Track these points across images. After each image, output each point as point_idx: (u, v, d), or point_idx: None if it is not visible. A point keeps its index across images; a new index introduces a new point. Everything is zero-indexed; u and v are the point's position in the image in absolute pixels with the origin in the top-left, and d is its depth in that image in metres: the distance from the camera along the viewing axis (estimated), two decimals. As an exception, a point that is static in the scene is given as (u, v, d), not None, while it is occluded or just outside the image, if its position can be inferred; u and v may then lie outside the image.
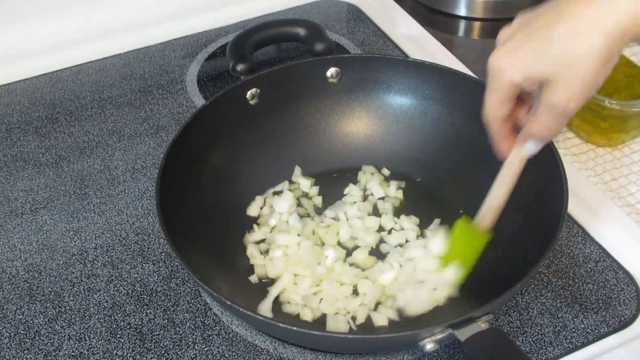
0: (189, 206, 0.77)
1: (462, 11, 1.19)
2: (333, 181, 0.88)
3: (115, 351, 0.71)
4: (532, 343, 0.71)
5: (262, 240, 0.81)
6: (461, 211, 0.82)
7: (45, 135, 0.96)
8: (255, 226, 0.82)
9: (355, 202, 0.84)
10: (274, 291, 0.75)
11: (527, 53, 0.58)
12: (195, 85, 1.03)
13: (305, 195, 0.86)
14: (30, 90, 1.03)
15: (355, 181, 0.87)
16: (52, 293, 0.77)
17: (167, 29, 1.13)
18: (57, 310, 0.75)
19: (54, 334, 0.73)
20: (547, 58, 0.57)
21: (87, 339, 0.72)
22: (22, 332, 0.73)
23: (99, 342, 0.72)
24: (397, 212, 0.84)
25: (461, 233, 0.74)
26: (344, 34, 1.12)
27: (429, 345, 0.61)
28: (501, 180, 0.71)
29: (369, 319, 0.73)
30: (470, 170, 0.84)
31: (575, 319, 0.73)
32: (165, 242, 0.77)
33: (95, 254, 0.80)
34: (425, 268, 0.75)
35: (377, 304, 0.74)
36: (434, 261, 0.75)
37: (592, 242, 0.80)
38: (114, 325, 0.73)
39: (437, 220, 0.82)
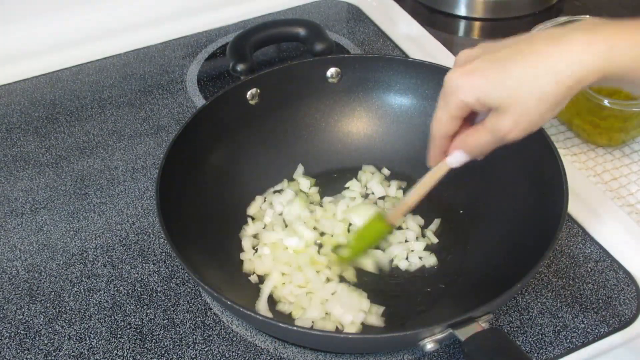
0: (189, 206, 0.77)
1: (462, 11, 1.19)
2: (333, 181, 0.88)
3: (115, 351, 0.71)
4: (532, 343, 0.71)
5: (255, 236, 0.81)
6: (461, 211, 0.82)
7: (45, 135, 0.96)
8: (249, 220, 0.82)
9: (355, 198, 0.85)
10: (265, 289, 0.75)
11: (484, 78, 0.60)
12: (195, 85, 1.03)
13: (305, 194, 0.86)
14: (31, 91, 1.03)
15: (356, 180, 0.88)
16: (52, 293, 0.77)
17: (167, 29, 1.13)
18: (57, 310, 0.75)
19: (54, 334, 0.73)
20: (501, 89, 0.59)
21: (87, 339, 0.72)
22: (22, 332, 0.73)
23: (99, 342, 0.72)
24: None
25: (371, 225, 0.77)
26: (344, 34, 1.12)
27: (429, 345, 0.61)
28: (422, 184, 0.72)
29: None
30: (469, 170, 0.83)
31: (576, 319, 0.73)
32: (166, 242, 0.77)
33: (95, 254, 0.80)
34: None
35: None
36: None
37: (592, 241, 0.80)
38: (114, 326, 0.73)
39: (437, 220, 0.82)
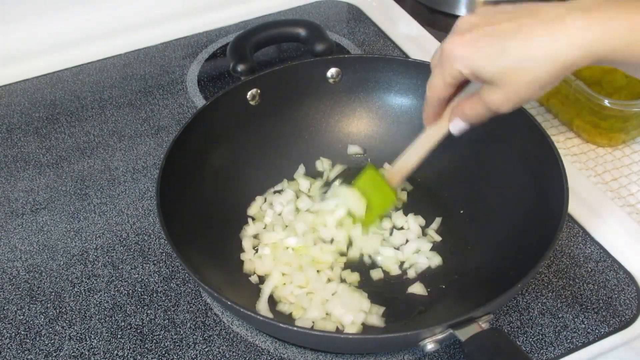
0: (190, 206, 0.77)
1: (462, 11, 1.19)
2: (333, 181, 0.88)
3: (115, 351, 0.71)
4: (532, 343, 0.71)
5: (256, 236, 0.81)
6: (461, 211, 0.82)
7: (45, 135, 0.96)
8: (250, 220, 0.82)
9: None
10: (266, 290, 0.75)
11: (480, 52, 0.61)
12: (195, 85, 1.03)
13: (306, 195, 0.86)
14: (31, 91, 1.03)
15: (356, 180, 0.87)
16: (53, 293, 0.77)
17: (167, 29, 1.13)
18: (57, 310, 0.75)
19: (55, 335, 0.73)
20: (496, 64, 0.60)
21: (88, 339, 0.72)
22: (22, 332, 0.73)
23: (100, 343, 0.72)
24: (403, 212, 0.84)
25: (371, 180, 0.78)
26: (344, 34, 1.12)
27: (430, 346, 0.61)
28: (418, 146, 0.74)
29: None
30: (470, 170, 0.84)
31: (576, 319, 0.73)
32: (166, 242, 0.77)
33: (95, 254, 0.80)
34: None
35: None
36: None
37: (593, 242, 0.80)
38: (115, 326, 0.73)
39: (438, 219, 0.82)
